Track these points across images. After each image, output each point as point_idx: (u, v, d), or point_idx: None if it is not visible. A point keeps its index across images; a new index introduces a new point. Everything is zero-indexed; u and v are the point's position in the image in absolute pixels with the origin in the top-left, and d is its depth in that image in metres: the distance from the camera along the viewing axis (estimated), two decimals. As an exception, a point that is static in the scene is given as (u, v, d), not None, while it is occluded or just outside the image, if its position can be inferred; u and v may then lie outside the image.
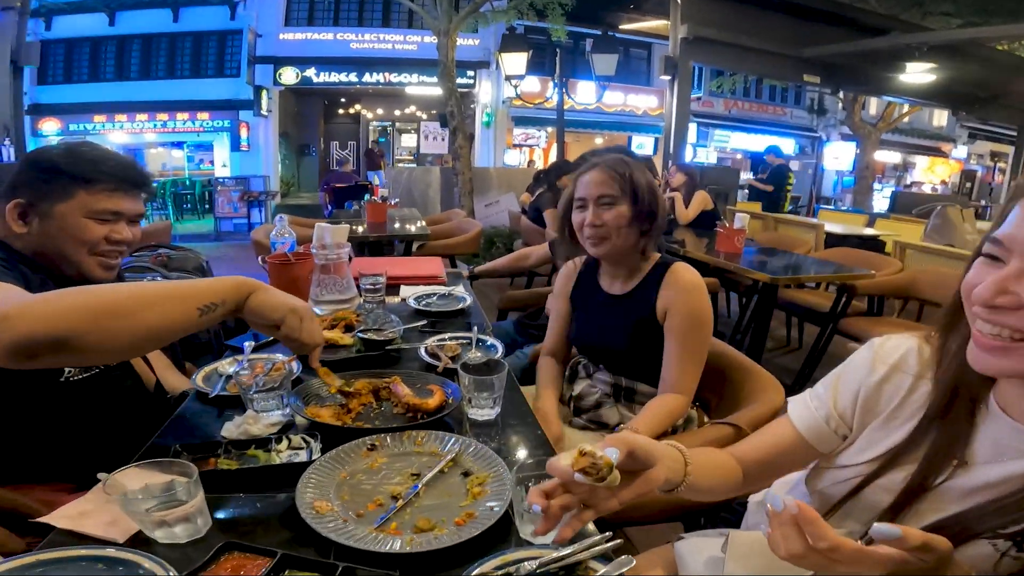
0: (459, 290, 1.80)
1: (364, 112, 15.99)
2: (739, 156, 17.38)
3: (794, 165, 16.86)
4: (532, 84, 12.15)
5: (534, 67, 6.99)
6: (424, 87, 13.51)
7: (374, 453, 0.91)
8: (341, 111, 16.02)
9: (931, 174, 19.23)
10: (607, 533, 0.72)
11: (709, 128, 16.18)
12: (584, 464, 0.58)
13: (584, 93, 11.25)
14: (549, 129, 14.29)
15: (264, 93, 12.81)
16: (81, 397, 1.07)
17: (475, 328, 1.38)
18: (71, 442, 1.08)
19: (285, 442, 0.92)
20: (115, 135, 13.00)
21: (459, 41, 7.32)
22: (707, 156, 16.31)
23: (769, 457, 0.80)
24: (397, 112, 15.90)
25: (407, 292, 1.77)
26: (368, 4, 12.75)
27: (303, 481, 0.80)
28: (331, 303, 1.50)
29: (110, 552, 0.68)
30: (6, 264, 1.02)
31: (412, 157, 15.74)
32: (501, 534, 0.74)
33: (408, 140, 16.43)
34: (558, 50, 7.25)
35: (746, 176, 14.84)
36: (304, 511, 0.75)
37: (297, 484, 0.79)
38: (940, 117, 18.54)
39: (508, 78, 6.42)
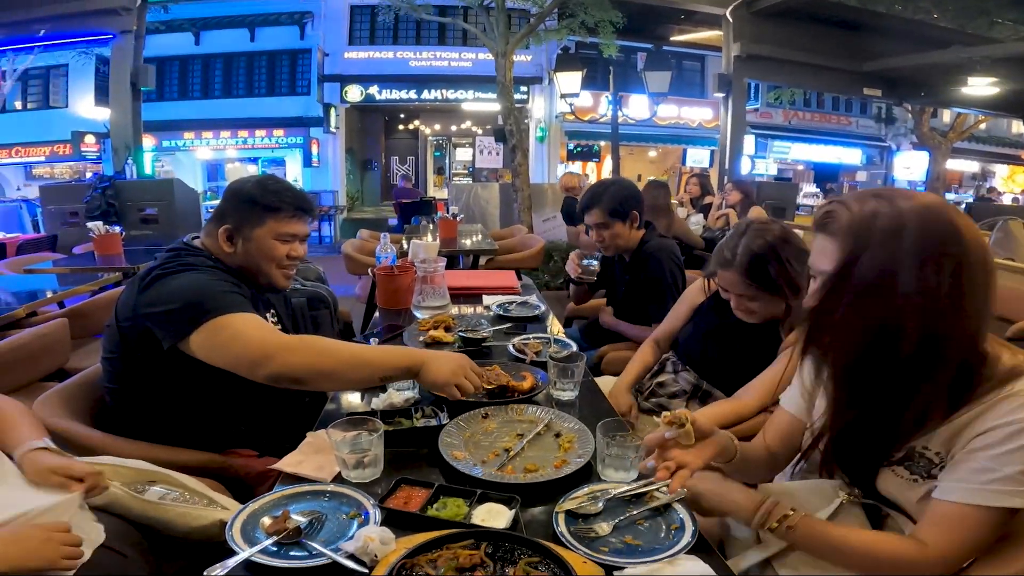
0: (533, 299, 2.11)
1: (422, 128, 16.53)
2: (800, 167, 17.00)
3: (861, 176, 16.37)
4: (585, 99, 12.29)
5: (587, 82, 7.17)
6: (479, 103, 13.92)
7: (487, 420, 1.22)
8: (401, 127, 16.57)
9: (1011, 183, 18.20)
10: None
11: (768, 139, 15.95)
12: (669, 418, 0.88)
13: (637, 107, 11.37)
14: (603, 143, 14.48)
15: (332, 110, 13.43)
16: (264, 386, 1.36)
17: (552, 330, 1.68)
18: (256, 418, 1.41)
19: (420, 412, 1.23)
20: (201, 151, 14.01)
21: (516, 58, 7.55)
22: (766, 168, 16.05)
23: (779, 435, 1.07)
24: (453, 127, 16.33)
25: (489, 300, 2.09)
26: (425, 23, 13.16)
27: (441, 438, 1.11)
28: (431, 308, 1.83)
29: (327, 487, 0.98)
30: (239, 288, 1.30)
31: (468, 171, 16.21)
32: (585, 475, 1.03)
33: (463, 154, 16.86)
34: (611, 67, 7.44)
35: (809, 188, 14.55)
36: (447, 457, 1.05)
37: (438, 439, 1.10)
38: (1020, 124, 17.54)
39: (563, 96, 6.65)
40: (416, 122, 16.50)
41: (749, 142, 14.01)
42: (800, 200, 12.94)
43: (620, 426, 1.05)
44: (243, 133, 13.96)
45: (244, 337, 1.17)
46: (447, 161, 17.07)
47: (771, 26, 6.48)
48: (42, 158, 13.15)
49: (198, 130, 13.79)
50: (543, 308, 2.02)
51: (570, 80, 6.44)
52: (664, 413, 0.92)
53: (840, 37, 6.78)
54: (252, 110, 13.73)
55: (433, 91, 13.96)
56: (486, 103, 13.64)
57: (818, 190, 14.59)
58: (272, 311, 1.53)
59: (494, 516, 0.89)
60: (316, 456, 1.09)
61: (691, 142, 15.40)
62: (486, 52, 7.06)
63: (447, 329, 1.67)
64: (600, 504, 0.93)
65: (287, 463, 1.07)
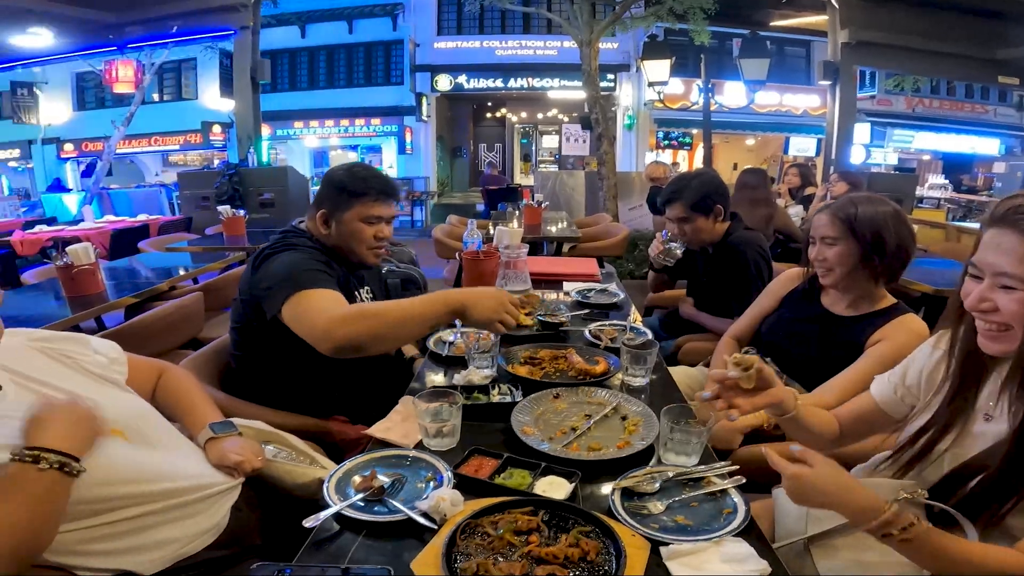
0: (612, 287, 2.15)
1: (509, 115, 16.69)
2: (926, 157, 15.44)
3: (999, 168, 14.58)
4: (675, 86, 11.82)
5: (677, 69, 6.90)
6: (565, 91, 13.85)
7: (558, 400, 1.29)
8: (489, 115, 16.80)
9: None
10: (726, 462, 1.03)
11: (887, 127, 14.59)
12: (737, 359, 0.93)
13: (733, 94, 10.82)
14: (695, 131, 13.94)
15: (424, 99, 13.85)
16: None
17: (629, 317, 1.72)
18: (348, 388, 1.56)
19: (497, 389, 1.33)
20: (309, 139, 14.97)
21: (602, 45, 7.37)
22: (884, 157, 14.73)
23: (855, 416, 1.07)
24: (539, 115, 16.39)
25: (569, 287, 2.16)
26: (509, 13, 13.16)
27: (514, 414, 1.20)
28: (513, 293, 1.92)
29: (410, 453, 1.09)
30: (328, 266, 1.43)
31: (554, 158, 16.21)
32: (646, 457, 1.08)
33: (549, 141, 16.91)
34: (702, 54, 7.15)
35: (935, 179, 13.10)
36: (517, 432, 1.14)
37: (511, 415, 1.19)
38: None
39: (651, 84, 6.47)
40: (503, 110, 16.67)
41: (863, 131, 12.90)
42: (924, 192, 11.77)
43: (684, 412, 1.09)
44: (344, 122, 14.72)
45: (313, 311, 1.27)
46: (533, 148, 17.16)
47: (884, 11, 5.93)
48: (176, 146, 14.60)
49: (306, 119, 14.63)
50: (622, 296, 2.06)
51: (658, 68, 6.25)
52: (734, 355, 0.96)
53: (967, 22, 6.06)
54: (352, 100, 14.38)
55: (519, 79, 14.03)
56: (571, 91, 13.55)
57: (946, 182, 13.18)
58: (367, 288, 1.68)
59: (555, 488, 0.97)
60: (402, 424, 1.21)
61: (795, 130, 14.44)
62: (571, 40, 6.99)
63: (528, 314, 1.76)
64: (657, 484, 0.98)
65: (376, 429, 1.19)
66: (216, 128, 13.46)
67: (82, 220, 6.33)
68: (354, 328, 1.22)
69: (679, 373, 1.74)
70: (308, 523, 0.87)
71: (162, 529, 0.97)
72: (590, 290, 2.12)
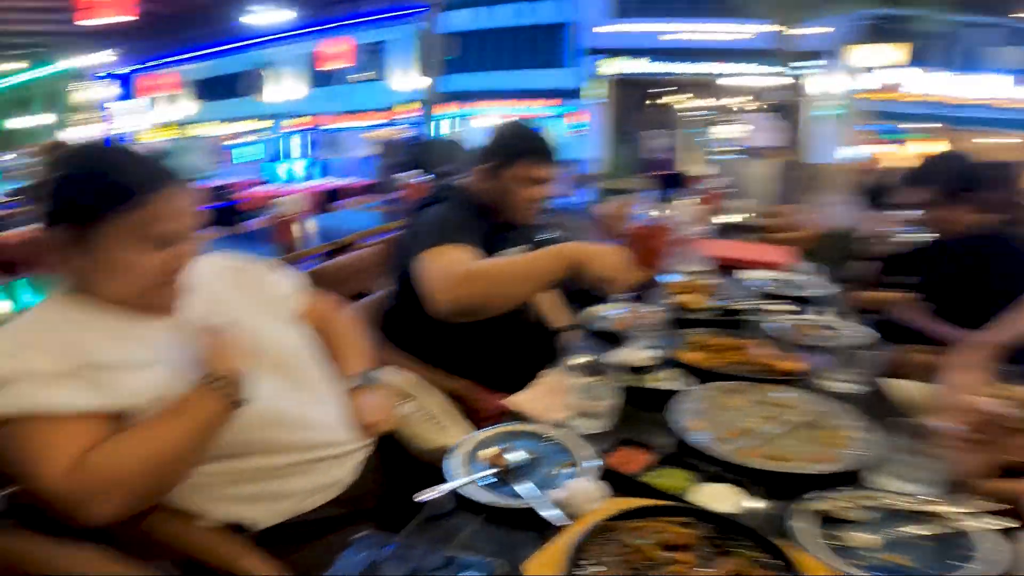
0: (810, 279, 1.87)
1: (683, 102, 15.94)
2: None
3: None
4: (890, 75, 10.09)
5: (895, 56, 5.86)
6: (751, 78, 12.77)
7: (736, 395, 1.10)
8: (660, 100, 16.14)
9: None
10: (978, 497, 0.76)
11: None
12: (1010, 392, 0.67)
13: (968, 85, 8.94)
14: (913, 124, 11.79)
15: (592, 83, 13.67)
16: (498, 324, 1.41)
17: (840, 316, 1.43)
18: (485, 353, 1.50)
19: (662, 372, 1.17)
20: (486, 119, 15.63)
21: (797, 31, 6.70)
22: None
23: None
24: (717, 102, 15.38)
25: (755, 275, 1.89)
26: None
27: (679, 402, 1.03)
28: (687, 273, 1.73)
29: (548, 431, 0.98)
30: (472, 221, 1.39)
31: (732, 148, 15.04)
32: (848, 479, 0.84)
33: (727, 130, 15.75)
34: (928, 40, 5.93)
35: None
36: (681, 425, 0.97)
37: (673, 405, 1.02)
38: None
39: (860, 71, 5.60)
40: (676, 96, 15.84)
41: None
42: None
43: (916, 431, 0.84)
44: (516, 103, 14.98)
45: (429, 273, 1.23)
46: (708, 137, 16.07)
47: None
48: (375, 122, 15.98)
49: (484, 100, 15.18)
50: (823, 291, 1.76)
51: (870, 54, 5.34)
52: (1003, 385, 0.70)
53: None
54: (522, 82, 14.62)
55: (695, 64, 13.28)
56: (759, 78, 12.34)
57: None
58: (522, 247, 1.58)
59: (718, 498, 0.80)
60: (545, 397, 1.11)
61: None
62: (758, 24, 6.30)
63: (703, 296, 1.57)
64: (866, 512, 0.76)
65: (516, 400, 1.11)
66: (407, 106, 14.59)
67: (299, 181, 7.40)
68: (462, 291, 1.16)
69: (898, 387, 1.41)
70: (420, 497, 0.81)
71: (288, 480, 0.93)
72: (781, 280, 1.83)
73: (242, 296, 1.03)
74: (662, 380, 1.15)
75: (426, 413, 1.20)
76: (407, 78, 14.63)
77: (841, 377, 1.11)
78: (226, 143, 17.84)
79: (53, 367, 0.76)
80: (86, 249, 0.80)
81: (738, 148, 14.58)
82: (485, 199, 1.52)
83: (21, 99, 15.58)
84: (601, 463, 0.88)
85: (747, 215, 3.67)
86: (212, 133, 17.65)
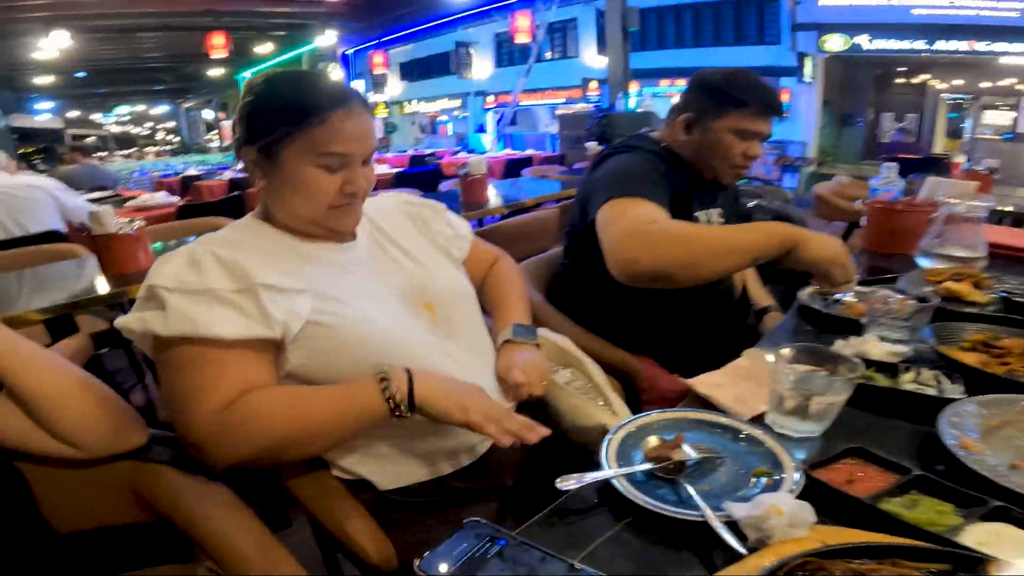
0: None
1: (933, 83, 13.29)
2: None
3: None
4: None
5: None
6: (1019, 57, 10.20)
7: (1034, 417, 0.74)
8: (900, 80, 13.81)
9: None
10: None
11: None
12: None
13: None
14: None
15: (807, 60, 12.23)
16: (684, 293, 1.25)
17: None
18: (666, 325, 1.29)
19: (912, 373, 0.86)
20: (676, 98, 14.89)
21: None
22: None
23: None
24: (984, 84, 12.47)
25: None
26: None
27: (944, 415, 0.72)
28: (948, 258, 1.30)
29: (741, 425, 0.75)
30: (664, 175, 1.23)
31: (1003, 137, 12.17)
32: None
33: (996, 117, 12.88)
34: None
35: None
36: (948, 442, 0.67)
37: (937, 416, 0.72)
38: None
39: None
40: (923, 76, 13.35)
41: None
42: None
43: None
44: (719, 81, 14.08)
45: (614, 228, 1.07)
46: (971, 123, 13.21)
47: None
48: (561, 100, 16.37)
49: (673, 78, 14.51)
50: None
51: None
52: None
53: None
54: (721, 59, 13.52)
55: (951, 42, 11.08)
56: None
57: None
58: (719, 210, 1.37)
59: (1005, 543, 0.53)
60: (740, 383, 0.87)
61: None
62: None
63: (977, 286, 1.15)
64: None
65: (702, 382, 0.88)
66: (593, 84, 14.40)
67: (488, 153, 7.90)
68: (652, 253, 1.00)
69: None
70: (561, 484, 0.64)
71: (422, 440, 0.86)
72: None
73: (416, 232, 1.02)
74: (914, 382, 0.84)
75: (586, 384, 1.02)
76: (597, 56, 14.48)
77: None
78: (430, 119, 19.62)
79: (230, 286, 0.75)
80: (270, 169, 0.82)
81: (1004, 139, 11.87)
82: (683, 152, 1.31)
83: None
84: (813, 477, 0.64)
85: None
86: (416, 111, 19.45)
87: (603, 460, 0.68)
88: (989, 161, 2.97)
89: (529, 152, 8.10)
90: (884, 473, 0.65)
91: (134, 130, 30.51)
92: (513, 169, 6.16)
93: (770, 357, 0.77)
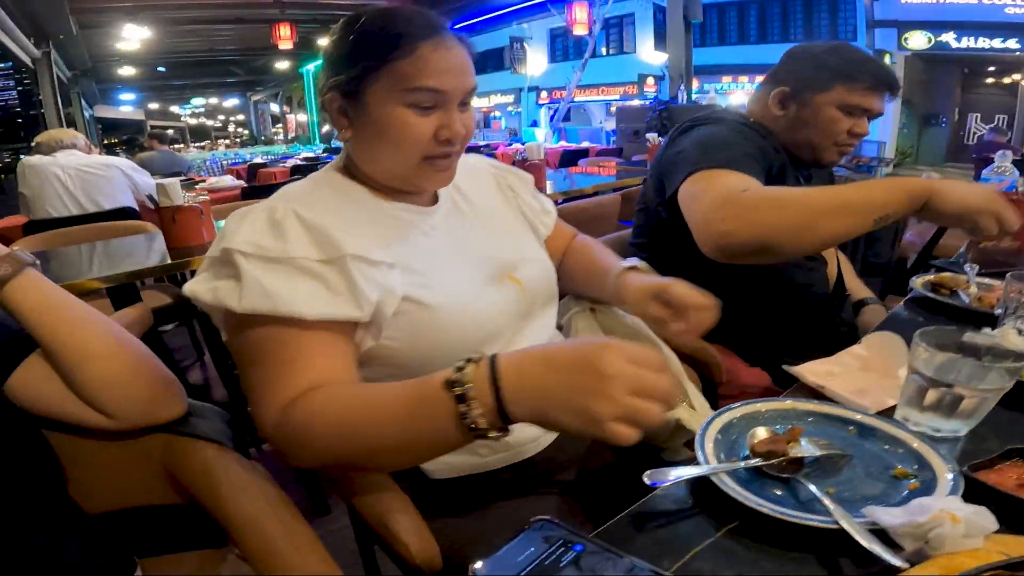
0: None
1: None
2: None
3: None
4: None
5: None
6: None
7: None
8: (990, 80, 12.99)
9: None
10: None
11: None
12: None
13: None
14: None
15: (887, 57, 11.60)
16: (772, 278, 1.15)
17: None
18: (749, 310, 1.14)
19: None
20: (736, 95, 14.39)
21: None
22: None
23: None
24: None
25: None
26: None
27: None
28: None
29: (868, 419, 0.64)
30: (760, 150, 1.11)
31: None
32: None
33: None
34: None
35: None
36: None
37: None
38: None
39: None
40: (1016, 76, 12.37)
41: None
42: None
43: None
44: (787, 78, 13.58)
45: (705, 198, 0.94)
46: None
47: None
48: (617, 96, 16.11)
49: (735, 74, 14.19)
50: None
51: None
52: None
53: None
54: None
55: None
56: None
57: None
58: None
59: None
60: (858, 373, 0.74)
61: None
62: None
63: None
64: None
65: (811, 370, 0.76)
66: (650, 80, 14.14)
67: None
68: (754, 218, 0.86)
69: None
70: (649, 478, 0.53)
71: None
72: None
73: (503, 200, 0.92)
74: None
75: None
76: (654, 52, 14.16)
77: None
78: (484, 114, 19.71)
79: (316, 255, 0.65)
80: (356, 114, 0.71)
81: None
82: (776, 128, 1.18)
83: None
84: (974, 479, 0.53)
85: None
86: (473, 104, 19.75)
87: (700, 453, 0.58)
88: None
89: (586, 144, 7.98)
90: None
91: (208, 122, 32.19)
92: (570, 160, 6.02)
93: (898, 341, 0.64)
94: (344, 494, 0.73)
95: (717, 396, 1.08)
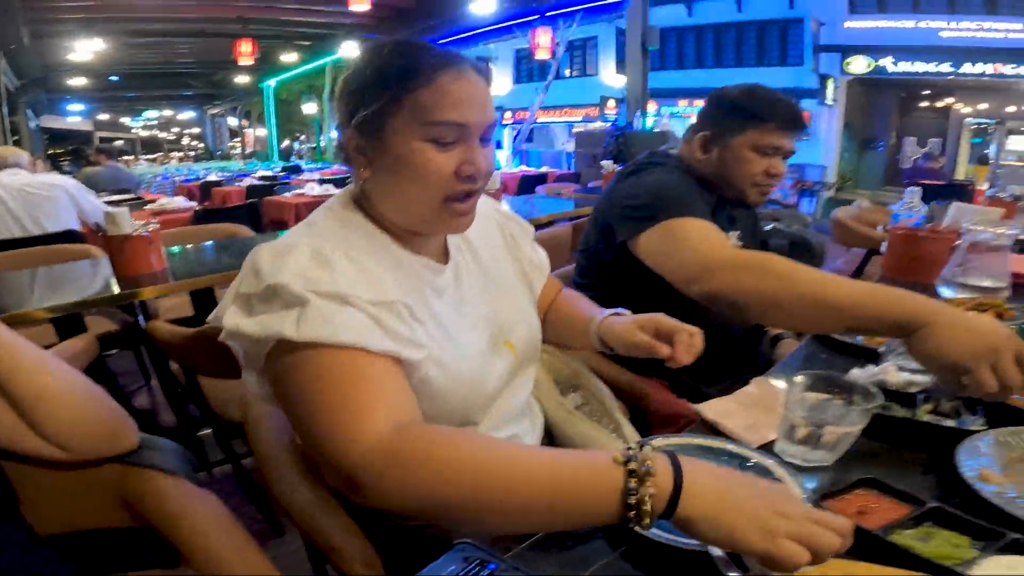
0: None
1: (957, 107, 13.16)
2: None
3: None
4: None
5: None
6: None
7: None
8: (924, 104, 13.72)
9: None
10: None
11: None
12: None
13: None
14: None
15: (830, 82, 12.23)
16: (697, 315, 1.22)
17: None
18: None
19: (930, 404, 0.82)
20: (693, 118, 14.86)
21: None
22: None
23: None
24: (1011, 108, 12.36)
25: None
26: None
27: (962, 447, 0.70)
28: (971, 288, 1.26)
29: (750, 453, 0.72)
30: (698, 194, 1.19)
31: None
32: None
33: (1019, 142, 12.65)
34: None
35: None
36: (965, 475, 0.65)
37: (955, 448, 0.69)
38: None
39: None
40: (948, 100, 13.24)
41: None
42: None
43: None
44: (738, 103, 14.09)
45: (691, 244, 1.03)
46: (995, 149, 13.04)
47: None
48: (579, 118, 16.43)
49: (691, 98, 14.57)
50: None
51: None
52: None
53: None
54: (741, 80, 12.94)
55: (978, 65, 11.16)
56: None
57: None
58: (738, 232, 1.34)
59: None
60: (749, 410, 0.84)
61: None
62: None
63: (999, 316, 1.11)
64: None
65: (711, 408, 0.86)
66: (611, 103, 14.50)
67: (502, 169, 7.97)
68: (745, 280, 0.93)
69: None
70: None
71: None
72: None
73: (505, 251, 0.90)
74: (933, 414, 0.81)
75: (596, 408, 0.98)
76: (616, 74, 14.53)
77: None
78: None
79: (367, 295, 0.63)
80: (374, 152, 0.69)
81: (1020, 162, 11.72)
82: (702, 171, 1.27)
83: (304, 90, 19.07)
84: (825, 507, 0.62)
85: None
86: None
87: None
88: (1014, 188, 2.91)
89: (544, 169, 8.19)
90: (898, 505, 0.63)
91: (161, 135, 31.27)
92: (528, 186, 6.19)
93: (781, 384, 0.74)
94: (293, 519, 0.77)
95: (649, 425, 1.17)
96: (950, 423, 0.78)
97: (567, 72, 16.09)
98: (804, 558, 0.47)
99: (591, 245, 1.32)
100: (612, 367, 1.24)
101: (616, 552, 0.59)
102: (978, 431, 0.73)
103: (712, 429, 0.82)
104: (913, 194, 1.71)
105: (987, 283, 1.24)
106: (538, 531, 0.61)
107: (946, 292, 1.29)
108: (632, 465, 0.51)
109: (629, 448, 0.53)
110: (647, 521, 0.50)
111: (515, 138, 14.79)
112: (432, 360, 0.69)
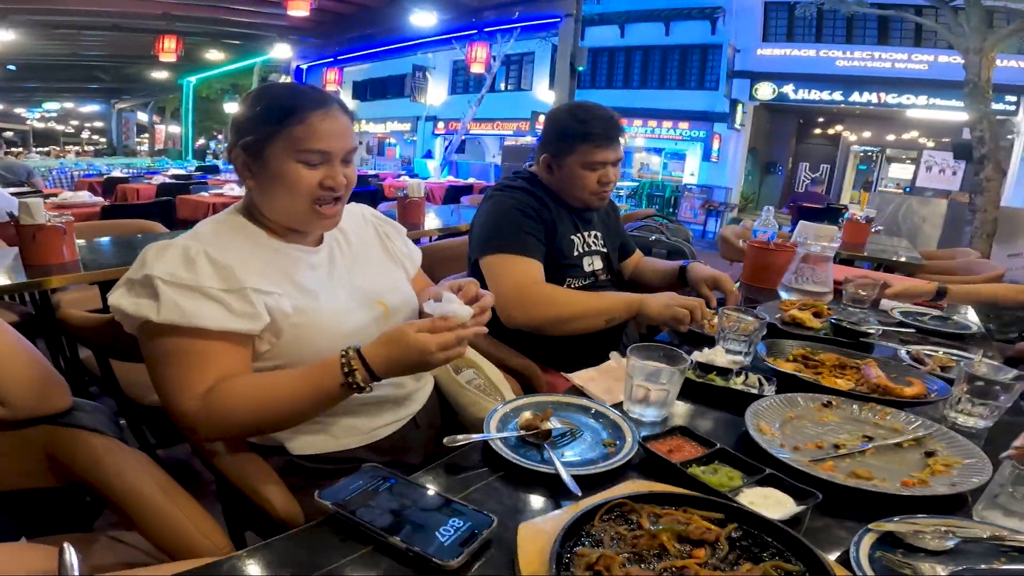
0: (968, 318, 1.58)
1: (846, 134, 14.29)
2: None
3: None
4: None
5: None
6: (933, 111, 11.24)
7: (827, 410, 0.95)
8: (818, 131, 14.66)
9: None
10: None
11: None
12: None
13: None
14: None
15: (739, 107, 12.77)
16: None
17: (980, 352, 1.19)
18: (568, 341, 1.41)
19: (742, 377, 1.05)
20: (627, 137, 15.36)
21: (997, 63, 6.17)
22: None
23: None
24: (890, 137, 13.62)
25: (892, 304, 1.62)
26: (859, 20, 11.36)
27: (754, 406, 0.91)
28: (802, 292, 1.54)
29: (599, 406, 0.92)
30: (537, 213, 1.39)
31: (903, 191, 13.27)
32: (943, 508, 0.72)
33: (900, 171, 13.97)
34: None
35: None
36: (749, 427, 0.85)
37: (748, 407, 0.90)
38: None
39: None
40: (838, 127, 14.27)
41: None
42: None
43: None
44: (652, 123, 14.59)
45: (504, 282, 1.30)
46: (876, 175, 14.38)
47: None
48: (510, 132, 16.66)
49: (626, 118, 14.99)
50: (974, 329, 1.49)
51: None
52: None
53: None
54: (662, 102, 14.12)
55: (866, 94, 11.85)
56: (944, 111, 10.93)
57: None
58: (595, 233, 1.55)
59: (771, 503, 0.68)
60: (608, 378, 1.05)
61: None
62: (949, 54, 5.83)
63: (816, 315, 1.39)
64: (951, 543, 0.63)
65: (578, 376, 1.06)
66: (542, 118, 14.83)
67: (432, 179, 8.02)
68: (539, 313, 1.29)
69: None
70: (449, 441, 0.79)
71: (342, 418, 0.96)
72: (924, 315, 1.56)
73: (379, 244, 1.13)
74: (743, 384, 1.04)
75: (486, 383, 1.16)
76: (548, 90, 14.85)
77: (979, 411, 0.91)
78: (379, 141, 19.61)
79: (219, 285, 0.83)
80: (258, 168, 0.90)
81: (900, 190, 12.95)
82: (553, 187, 1.48)
83: (228, 88, 18.26)
84: (646, 447, 0.80)
85: (899, 255, 3.22)
86: (365, 131, 19.42)
87: (486, 428, 0.83)
88: (869, 211, 3.38)
89: (471, 181, 8.28)
90: (698, 447, 0.82)
91: (58, 127, 28.83)
92: (455, 196, 6.39)
93: (629, 358, 0.94)
94: (218, 467, 0.90)
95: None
96: (754, 391, 1.00)
97: (502, 86, 16.19)
98: (458, 351, 0.82)
99: (469, 253, 1.48)
100: (506, 351, 1.42)
101: (494, 476, 0.76)
102: (765, 396, 0.96)
103: (583, 394, 1.01)
104: (769, 212, 2.03)
105: (813, 288, 1.53)
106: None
107: (784, 295, 1.57)
108: (342, 357, 0.81)
109: (342, 353, 0.81)
110: (360, 381, 0.80)
111: (446, 148, 14.88)
112: (298, 311, 0.90)
